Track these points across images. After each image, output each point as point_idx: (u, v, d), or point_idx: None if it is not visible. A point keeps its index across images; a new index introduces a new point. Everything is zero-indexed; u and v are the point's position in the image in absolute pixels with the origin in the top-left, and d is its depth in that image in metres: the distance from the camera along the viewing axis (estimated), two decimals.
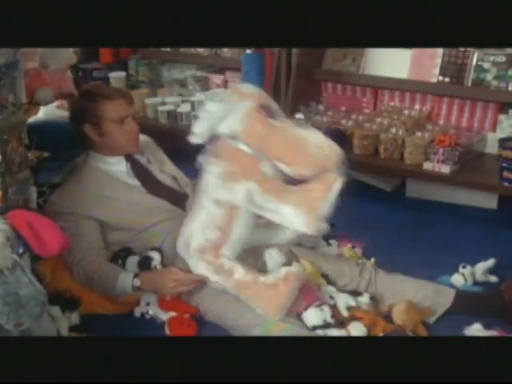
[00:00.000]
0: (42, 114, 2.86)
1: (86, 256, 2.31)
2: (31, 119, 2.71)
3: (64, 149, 2.60)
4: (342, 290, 2.27)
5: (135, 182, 2.45)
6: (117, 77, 3.96)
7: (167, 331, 2.24)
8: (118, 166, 2.46)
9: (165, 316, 2.29)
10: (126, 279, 2.26)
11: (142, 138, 2.54)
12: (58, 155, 2.59)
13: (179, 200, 2.49)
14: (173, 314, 2.28)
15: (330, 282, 2.31)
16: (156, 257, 2.34)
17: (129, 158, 2.47)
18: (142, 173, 2.48)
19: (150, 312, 2.32)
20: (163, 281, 2.26)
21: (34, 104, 2.93)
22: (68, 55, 3.47)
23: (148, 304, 2.34)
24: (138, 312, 2.34)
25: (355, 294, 2.25)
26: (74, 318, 2.24)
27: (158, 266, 2.33)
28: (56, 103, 3.01)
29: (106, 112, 2.37)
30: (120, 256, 2.38)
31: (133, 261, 2.36)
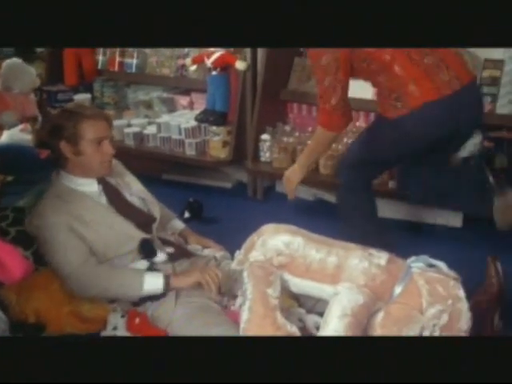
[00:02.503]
0: (6, 137, 2.83)
1: (88, 260, 2.27)
2: None
3: (28, 172, 2.57)
4: (310, 311, 2.27)
5: (106, 203, 2.43)
6: (82, 99, 3.95)
7: None
8: (89, 187, 2.43)
9: None
10: (155, 273, 2.28)
11: None
12: (21, 179, 2.56)
13: (148, 223, 2.47)
14: None
15: (299, 305, 2.32)
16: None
17: (101, 180, 2.45)
18: (113, 195, 2.45)
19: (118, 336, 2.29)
20: (194, 269, 2.31)
21: None
22: (31, 79, 3.46)
23: (115, 328, 2.29)
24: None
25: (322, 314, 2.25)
26: None
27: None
28: (20, 127, 2.99)
29: (84, 131, 2.34)
30: None
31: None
